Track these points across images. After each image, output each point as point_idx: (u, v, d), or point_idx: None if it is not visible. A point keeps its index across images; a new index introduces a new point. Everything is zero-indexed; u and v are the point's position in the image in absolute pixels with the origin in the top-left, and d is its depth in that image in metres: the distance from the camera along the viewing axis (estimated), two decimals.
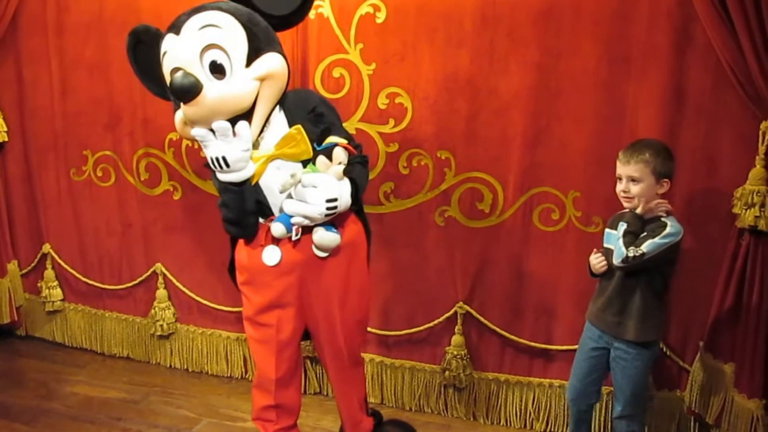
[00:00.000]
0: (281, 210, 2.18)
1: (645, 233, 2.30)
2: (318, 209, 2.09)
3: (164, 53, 2.16)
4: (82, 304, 3.78)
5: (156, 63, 2.22)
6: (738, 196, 2.53)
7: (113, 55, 3.30)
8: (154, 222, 3.48)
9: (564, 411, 2.99)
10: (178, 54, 2.11)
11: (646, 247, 2.24)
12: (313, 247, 2.25)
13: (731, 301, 2.60)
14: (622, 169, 2.35)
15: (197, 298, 3.49)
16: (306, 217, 2.12)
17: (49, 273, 3.76)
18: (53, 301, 3.76)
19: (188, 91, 2.02)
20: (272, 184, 2.20)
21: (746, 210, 2.49)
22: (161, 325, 3.52)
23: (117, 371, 3.60)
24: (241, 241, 2.38)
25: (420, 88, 2.89)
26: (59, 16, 3.40)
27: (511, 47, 2.75)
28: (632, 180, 2.32)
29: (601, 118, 2.71)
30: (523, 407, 3.08)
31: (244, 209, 2.22)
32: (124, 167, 3.46)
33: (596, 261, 2.46)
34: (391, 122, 2.95)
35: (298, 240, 2.24)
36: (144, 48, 2.30)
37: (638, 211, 2.34)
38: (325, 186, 2.10)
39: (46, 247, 3.74)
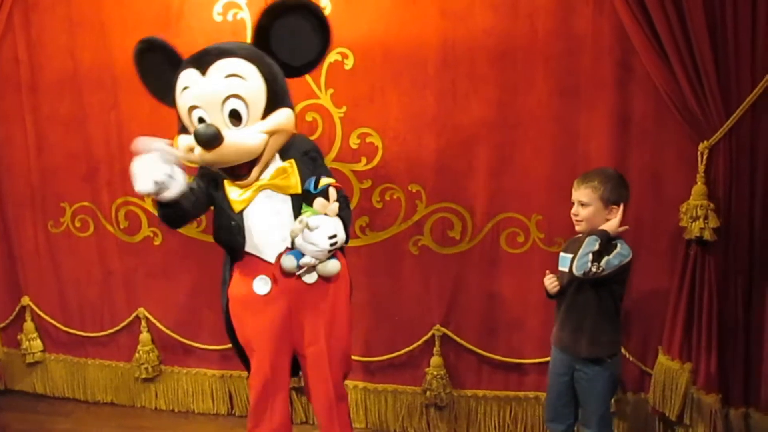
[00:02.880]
0: (292, 245, 2.34)
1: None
2: (323, 246, 2.28)
3: (185, 87, 2.27)
4: (63, 354, 3.81)
5: (161, 72, 2.36)
6: (684, 211, 2.78)
7: (89, 109, 3.43)
8: (135, 268, 3.56)
9: (539, 421, 3.17)
10: (203, 96, 2.24)
11: (604, 263, 2.42)
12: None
13: (684, 306, 2.83)
14: (575, 194, 2.57)
15: (181, 339, 3.57)
16: (315, 257, 2.32)
17: (28, 325, 3.78)
18: (33, 353, 3.79)
19: (212, 142, 2.16)
20: (260, 211, 2.37)
21: (692, 222, 2.74)
22: (146, 368, 3.58)
23: (102, 417, 3.63)
24: (235, 275, 2.50)
25: (389, 127, 3.09)
26: (33, 75, 3.49)
27: (471, 86, 2.98)
28: (582, 204, 2.53)
29: (556, 146, 2.96)
30: (501, 420, 3.26)
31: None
32: (103, 217, 3.54)
33: (548, 283, 2.64)
34: (363, 160, 3.14)
35: (300, 275, 2.39)
36: (151, 56, 2.42)
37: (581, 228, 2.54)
38: (325, 225, 2.28)
39: (25, 300, 3.77)
